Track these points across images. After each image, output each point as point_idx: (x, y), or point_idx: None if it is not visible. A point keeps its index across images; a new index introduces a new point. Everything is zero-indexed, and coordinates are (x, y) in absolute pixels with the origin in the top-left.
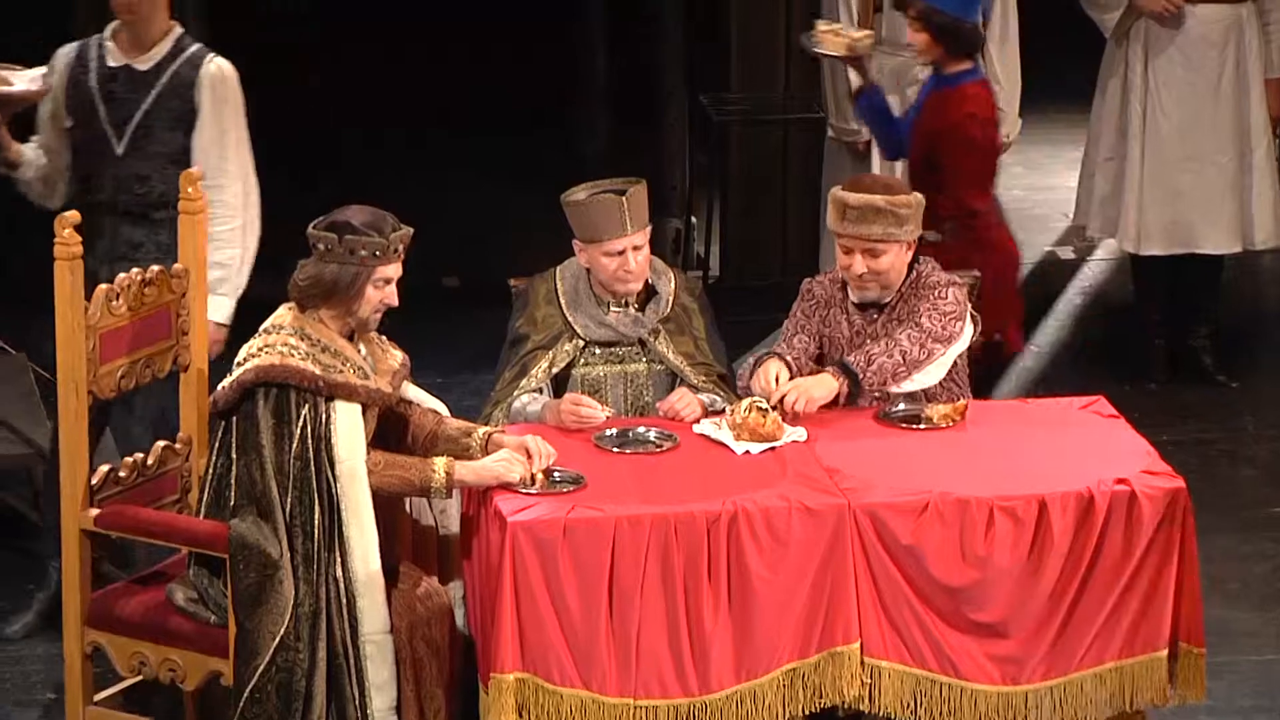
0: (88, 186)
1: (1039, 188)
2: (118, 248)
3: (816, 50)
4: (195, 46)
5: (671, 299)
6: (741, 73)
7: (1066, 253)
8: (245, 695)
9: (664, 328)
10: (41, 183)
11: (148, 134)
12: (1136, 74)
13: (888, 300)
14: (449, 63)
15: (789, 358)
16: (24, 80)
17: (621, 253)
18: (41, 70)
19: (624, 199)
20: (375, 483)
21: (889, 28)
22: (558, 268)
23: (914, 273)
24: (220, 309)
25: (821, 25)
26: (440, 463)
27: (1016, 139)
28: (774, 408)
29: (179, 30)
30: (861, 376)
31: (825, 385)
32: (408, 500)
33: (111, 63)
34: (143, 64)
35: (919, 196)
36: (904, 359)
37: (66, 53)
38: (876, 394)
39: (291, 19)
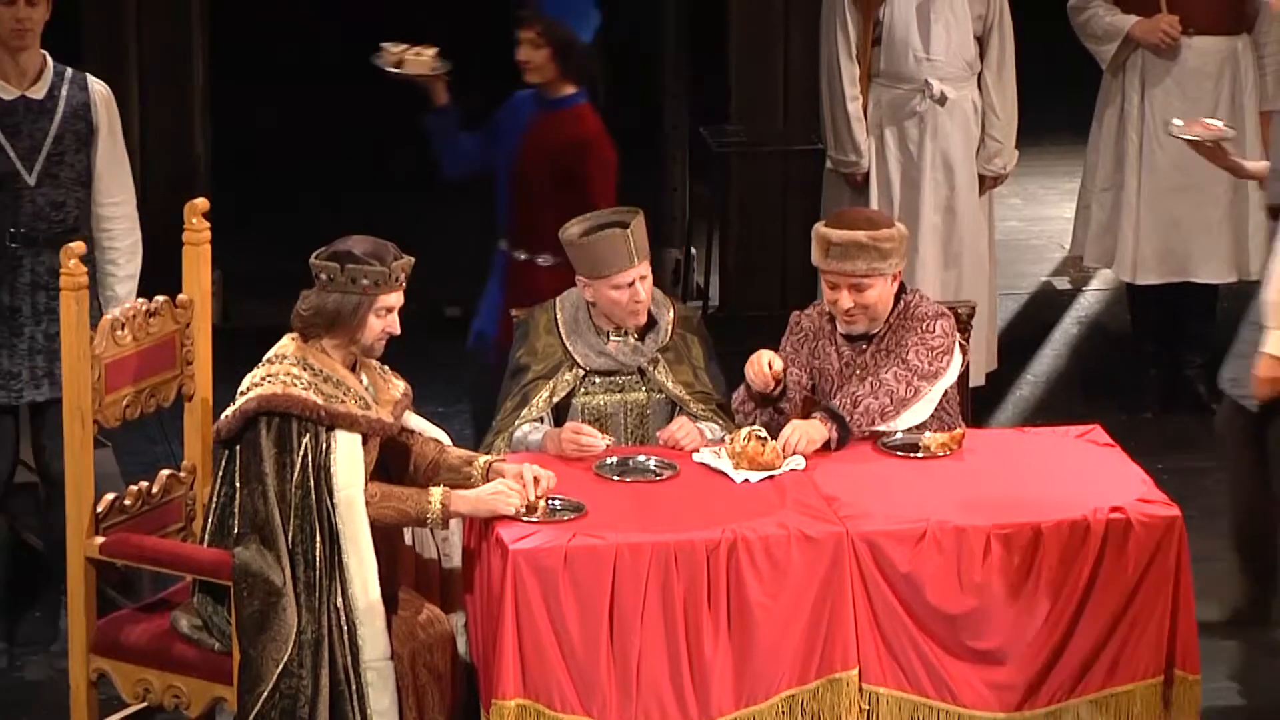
0: None
1: (1035, 219)
2: (40, 277)
3: (396, 71)
4: (67, 69)
5: (670, 328)
6: (741, 104)
7: (1063, 283)
8: None
9: (663, 357)
10: None
11: (60, 160)
12: (1133, 105)
13: (876, 331)
14: (454, 93)
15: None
16: None
17: (630, 284)
18: None
19: (628, 232)
20: (373, 515)
21: (887, 61)
22: (557, 298)
23: (901, 303)
24: None
25: (393, 47)
26: (436, 493)
27: (1013, 171)
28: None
29: (47, 55)
30: (849, 419)
31: (817, 430)
32: (410, 533)
33: (3, 96)
34: (36, 93)
35: (901, 228)
36: (891, 399)
37: None
38: (865, 434)
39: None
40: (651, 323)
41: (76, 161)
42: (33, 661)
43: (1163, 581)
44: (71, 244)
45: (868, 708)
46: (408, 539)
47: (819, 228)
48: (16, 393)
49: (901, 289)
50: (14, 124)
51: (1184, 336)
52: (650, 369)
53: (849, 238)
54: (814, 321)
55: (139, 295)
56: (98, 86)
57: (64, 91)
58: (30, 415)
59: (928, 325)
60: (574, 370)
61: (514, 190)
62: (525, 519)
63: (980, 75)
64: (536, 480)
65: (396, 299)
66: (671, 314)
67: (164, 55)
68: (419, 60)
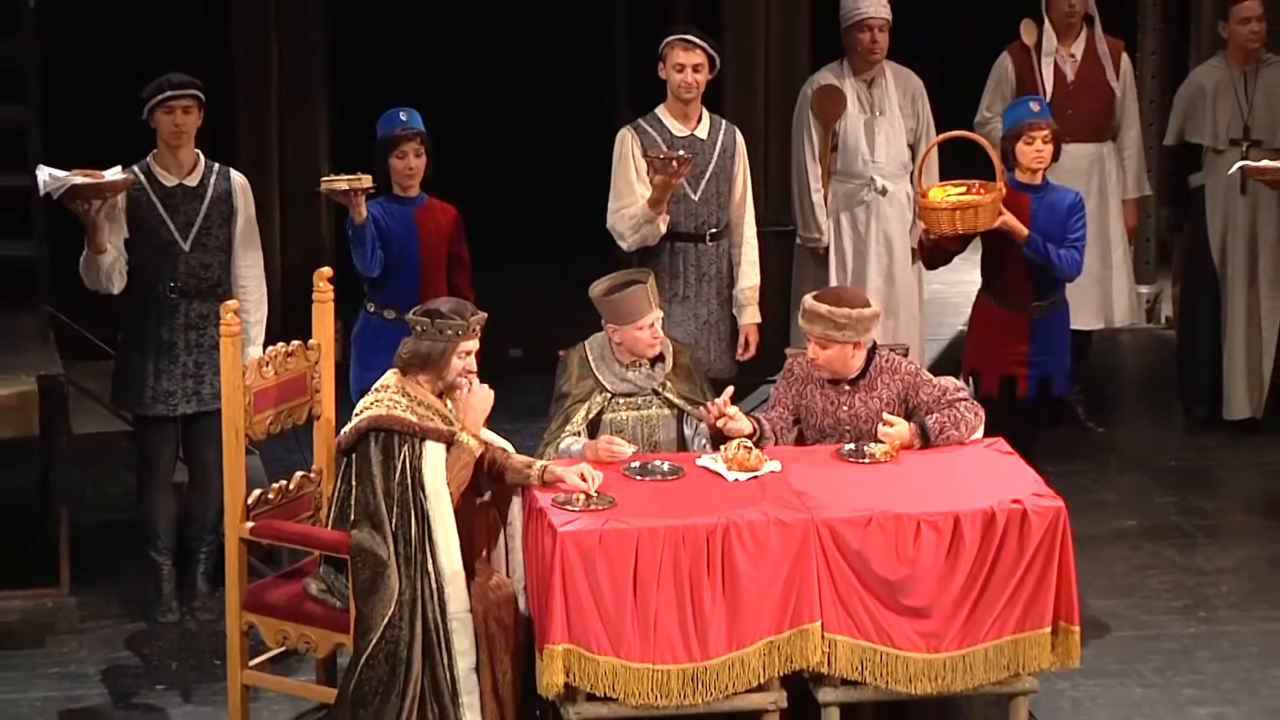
0: (159, 279)
1: (954, 282)
2: (191, 320)
3: (327, 190)
4: (215, 163)
5: (673, 360)
6: None
7: None
8: (362, 661)
9: (669, 380)
10: (110, 272)
11: (208, 232)
12: None
13: (852, 378)
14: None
15: (767, 426)
16: (113, 175)
17: (651, 325)
18: (118, 169)
19: (646, 287)
20: (454, 486)
21: (842, 163)
22: (587, 341)
23: (875, 358)
24: (259, 351)
25: (328, 177)
26: (462, 434)
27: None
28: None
29: (200, 153)
30: (933, 438)
31: (906, 435)
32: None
33: (165, 183)
34: (191, 181)
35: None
36: (966, 428)
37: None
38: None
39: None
40: (659, 356)
41: (220, 233)
42: (198, 617)
43: (1050, 557)
44: (230, 301)
45: (828, 650)
46: (479, 521)
47: (815, 304)
48: (173, 407)
49: (873, 348)
50: (173, 204)
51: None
52: (661, 389)
53: (848, 315)
54: (803, 368)
55: (276, 340)
56: (238, 178)
57: (212, 180)
58: (183, 424)
59: (923, 374)
60: (603, 393)
61: (430, 269)
62: (569, 509)
63: (912, 173)
64: (593, 478)
65: (473, 344)
66: (672, 349)
67: (299, 162)
68: (353, 181)
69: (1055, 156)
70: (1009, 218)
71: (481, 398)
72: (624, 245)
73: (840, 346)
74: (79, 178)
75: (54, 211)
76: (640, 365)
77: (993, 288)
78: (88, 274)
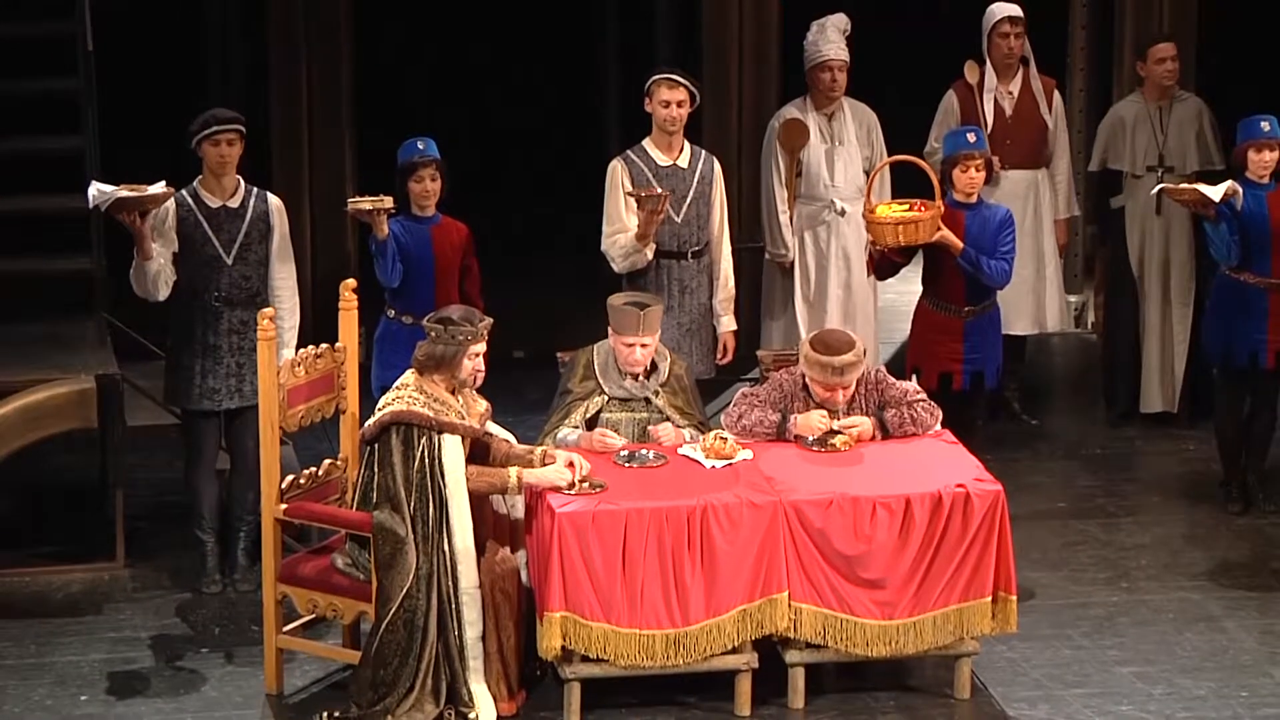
0: (205, 289)
1: (905, 292)
2: (233, 325)
3: (353, 210)
4: (254, 187)
5: (668, 372)
6: None
7: None
8: (382, 627)
9: (662, 389)
10: (156, 279)
11: (248, 247)
12: None
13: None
14: (523, 210)
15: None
16: (156, 189)
17: (631, 346)
18: (161, 184)
19: (641, 313)
20: (471, 486)
21: (805, 187)
22: (594, 345)
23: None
24: (292, 353)
25: (354, 199)
26: (514, 471)
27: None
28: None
29: (240, 179)
30: (892, 431)
31: (869, 428)
32: (492, 499)
33: (211, 204)
34: (233, 203)
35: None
36: (922, 426)
37: (168, 204)
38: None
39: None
40: (655, 367)
41: (259, 249)
42: (238, 588)
43: (990, 534)
44: (266, 309)
45: (794, 618)
46: (489, 503)
47: (818, 356)
48: (217, 402)
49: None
50: (218, 223)
51: (1004, 369)
52: (653, 397)
53: (847, 362)
54: (789, 386)
55: (307, 343)
56: (274, 200)
57: (252, 202)
58: (226, 418)
59: (890, 381)
60: (602, 395)
61: (443, 278)
62: (567, 491)
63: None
64: (579, 466)
65: (481, 347)
66: (668, 362)
67: (328, 186)
68: (367, 202)
69: (988, 179)
70: (946, 233)
71: (556, 471)
72: (615, 268)
73: (845, 390)
74: (124, 191)
75: (111, 231)
76: (637, 375)
77: (931, 294)
78: (137, 281)
